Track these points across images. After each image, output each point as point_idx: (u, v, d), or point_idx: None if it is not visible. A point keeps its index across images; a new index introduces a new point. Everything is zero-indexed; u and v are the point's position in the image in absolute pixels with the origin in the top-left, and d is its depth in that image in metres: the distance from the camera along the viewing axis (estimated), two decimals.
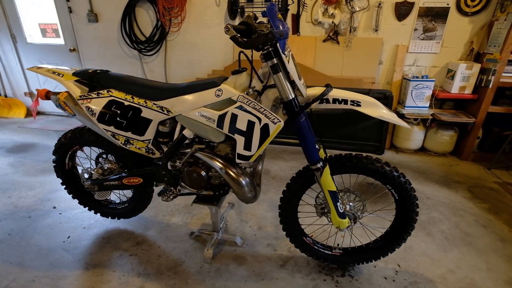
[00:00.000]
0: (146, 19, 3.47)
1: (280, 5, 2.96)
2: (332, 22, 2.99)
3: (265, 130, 1.21)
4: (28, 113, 4.18)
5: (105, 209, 1.95)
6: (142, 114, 1.41)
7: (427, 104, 3.05)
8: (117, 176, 1.66)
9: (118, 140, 1.47)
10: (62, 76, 1.49)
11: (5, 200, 2.27)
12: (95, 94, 1.44)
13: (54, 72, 1.51)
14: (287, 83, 1.19)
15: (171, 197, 1.54)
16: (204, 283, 1.58)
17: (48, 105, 4.23)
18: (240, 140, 1.27)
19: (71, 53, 3.82)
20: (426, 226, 2.06)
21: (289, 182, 1.51)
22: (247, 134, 1.24)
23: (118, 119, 1.43)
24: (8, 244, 1.82)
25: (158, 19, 3.37)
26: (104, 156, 1.82)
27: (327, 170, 1.33)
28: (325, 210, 1.56)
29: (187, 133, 1.41)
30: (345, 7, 2.97)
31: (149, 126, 1.43)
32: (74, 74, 1.50)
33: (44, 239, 1.87)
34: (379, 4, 2.92)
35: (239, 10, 3.19)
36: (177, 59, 3.55)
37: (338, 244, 1.68)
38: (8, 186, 2.45)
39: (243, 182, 1.38)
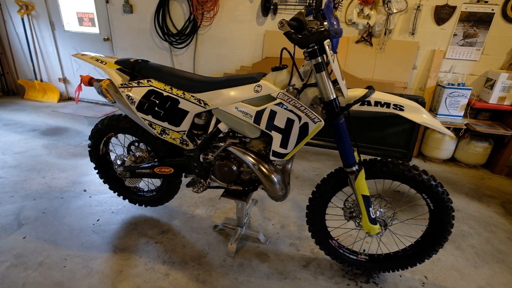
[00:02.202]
0: (179, 12, 3.52)
1: (314, 5, 2.92)
2: (367, 23, 2.92)
3: (304, 129, 1.20)
4: (61, 98, 4.36)
5: (134, 196, 2.00)
6: (180, 106, 1.44)
7: (461, 113, 2.93)
8: (149, 164, 1.70)
9: (155, 129, 1.51)
10: (105, 64, 1.54)
11: (40, 180, 2.38)
12: (135, 83, 1.47)
13: (97, 60, 1.56)
14: (330, 83, 1.17)
15: (201, 189, 1.56)
16: (227, 277, 1.59)
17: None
18: (277, 137, 1.27)
19: (104, 42, 3.95)
20: (456, 239, 1.98)
21: (320, 183, 1.50)
22: (285, 132, 1.24)
23: (156, 108, 1.46)
24: (42, 222, 1.91)
25: (191, 12, 3.42)
26: (136, 144, 1.87)
27: (362, 174, 1.30)
28: (354, 214, 1.53)
29: (222, 127, 1.42)
30: (381, 8, 2.89)
31: (185, 118, 1.45)
32: (117, 62, 1.54)
33: (76, 220, 1.95)
34: (418, 6, 2.83)
35: (272, 7, 3.18)
36: (206, 53, 3.59)
37: (364, 250, 1.65)
38: (42, 167, 2.57)
39: (275, 179, 1.37)
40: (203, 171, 1.56)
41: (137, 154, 1.82)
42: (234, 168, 1.48)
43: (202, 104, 1.41)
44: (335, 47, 1.10)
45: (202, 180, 1.59)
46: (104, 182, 2.01)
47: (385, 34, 2.94)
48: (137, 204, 2.04)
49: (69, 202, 2.12)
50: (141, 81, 1.47)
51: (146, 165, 1.71)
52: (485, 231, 2.09)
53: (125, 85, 1.48)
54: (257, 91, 1.28)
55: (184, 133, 1.48)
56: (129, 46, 3.86)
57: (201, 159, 1.54)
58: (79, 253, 1.69)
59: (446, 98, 2.89)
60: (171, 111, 1.45)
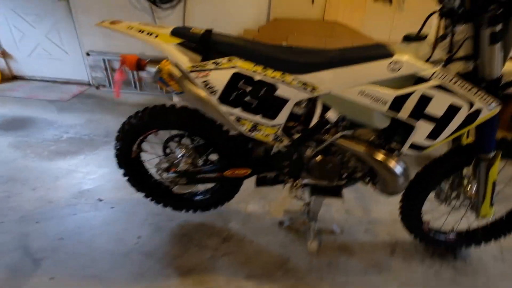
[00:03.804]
0: None
1: None
2: None
3: (473, 116, 0.98)
4: (4, 78, 3.37)
5: (180, 202, 1.63)
6: (277, 92, 1.09)
7: None
8: (216, 167, 1.35)
9: (243, 126, 1.14)
10: (156, 37, 1.07)
11: (31, 194, 1.81)
12: (212, 63, 1.06)
13: (141, 31, 1.08)
14: (501, 57, 0.94)
15: (300, 191, 1.29)
16: (324, 281, 1.42)
17: (27, 68, 3.43)
18: (424, 128, 1.03)
19: (58, 2, 3.02)
20: None
21: (426, 168, 1.34)
22: (441, 121, 1.00)
23: (247, 98, 1.09)
24: (65, 252, 1.46)
25: None
26: (177, 139, 1.46)
27: (498, 159, 1.16)
28: (451, 197, 1.44)
29: (331, 116, 1.13)
30: None
31: (284, 108, 1.11)
32: (174, 33, 1.08)
33: (109, 242, 1.54)
34: None
35: None
36: (200, 14, 2.99)
37: (452, 229, 1.60)
38: (25, 175, 1.96)
39: (398, 171, 1.16)
40: (295, 169, 1.27)
41: (182, 154, 1.42)
42: (338, 163, 1.23)
43: (309, 89, 1.08)
44: None
45: (293, 180, 1.31)
46: (138, 190, 1.59)
47: None
48: (184, 211, 1.67)
49: (88, 220, 1.66)
50: (218, 60, 1.06)
51: (212, 168, 1.35)
52: None
53: (198, 68, 1.05)
54: (394, 69, 1.00)
55: (279, 127, 1.15)
56: (94, 7, 3.03)
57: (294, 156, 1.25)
58: (139, 286, 1.33)
59: None
60: (266, 100, 1.09)
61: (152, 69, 1.08)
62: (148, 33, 1.08)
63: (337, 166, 1.23)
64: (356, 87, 1.04)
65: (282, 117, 1.13)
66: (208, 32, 1.07)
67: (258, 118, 1.12)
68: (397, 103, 1.02)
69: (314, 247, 1.56)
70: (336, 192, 1.39)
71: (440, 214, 1.53)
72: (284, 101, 1.10)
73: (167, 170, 1.43)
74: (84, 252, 1.47)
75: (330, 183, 1.30)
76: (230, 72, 1.06)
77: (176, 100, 3.23)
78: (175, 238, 1.59)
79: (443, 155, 1.31)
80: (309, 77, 1.07)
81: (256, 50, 1.07)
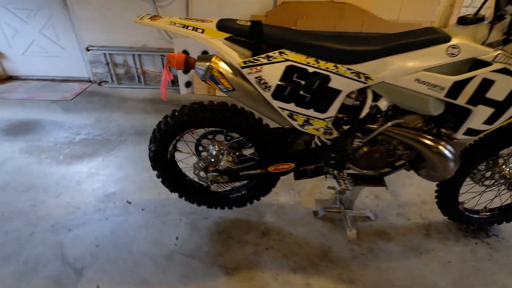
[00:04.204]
0: None
1: None
2: None
3: None
4: None
5: (216, 199, 1.61)
6: (331, 84, 1.05)
7: None
8: (259, 163, 1.32)
9: (296, 120, 1.11)
10: (202, 32, 1.00)
11: (55, 201, 1.75)
12: (264, 57, 1.01)
13: (184, 26, 1.01)
14: None
15: (347, 183, 1.27)
16: (368, 268, 1.44)
17: (22, 67, 3.25)
18: (483, 113, 1.02)
19: None
20: None
21: (468, 150, 1.34)
22: (502, 105, 0.99)
23: (300, 92, 1.04)
24: (106, 259, 1.43)
25: None
26: (210, 136, 1.42)
27: None
28: (486, 178, 1.45)
29: (382, 105, 1.10)
30: None
31: (336, 100, 1.08)
32: (221, 27, 1.02)
33: (147, 245, 1.51)
34: None
35: None
36: (204, 1, 2.86)
37: (485, 207, 1.63)
38: (45, 182, 1.89)
39: (451, 156, 1.15)
40: (341, 160, 1.26)
41: (219, 151, 1.39)
42: (386, 151, 1.22)
43: (362, 79, 1.04)
44: None
45: (337, 172, 1.30)
46: (172, 191, 1.55)
47: None
48: (218, 208, 1.65)
49: (121, 224, 1.62)
50: (270, 54, 1.01)
51: (254, 164, 1.32)
52: None
53: (251, 64, 1.00)
54: (452, 54, 0.97)
55: (330, 120, 1.12)
56: None
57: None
58: (187, 287, 1.32)
59: None
60: (319, 93, 1.06)
61: (201, 67, 1.03)
62: (193, 28, 1.01)
63: (385, 154, 1.22)
64: (412, 74, 1.02)
65: (333, 109, 1.10)
66: (258, 24, 1.01)
67: (310, 112, 1.09)
68: (456, 88, 1.00)
69: (354, 235, 1.57)
70: (379, 181, 1.38)
71: (473, 194, 1.56)
72: (336, 93, 1.07)
73: (205, 169, 1.40)
74: (125, 257, 1.45)
75: (375, 172, 1.29)
76: (283, 65, 1.01)
77: (184, 92, 3.15)
78: (214, 235, 1.58)
79: (484, 137, 1.31)
80: (363, 67, 1.03)
81: (307, 42, 1.02)
